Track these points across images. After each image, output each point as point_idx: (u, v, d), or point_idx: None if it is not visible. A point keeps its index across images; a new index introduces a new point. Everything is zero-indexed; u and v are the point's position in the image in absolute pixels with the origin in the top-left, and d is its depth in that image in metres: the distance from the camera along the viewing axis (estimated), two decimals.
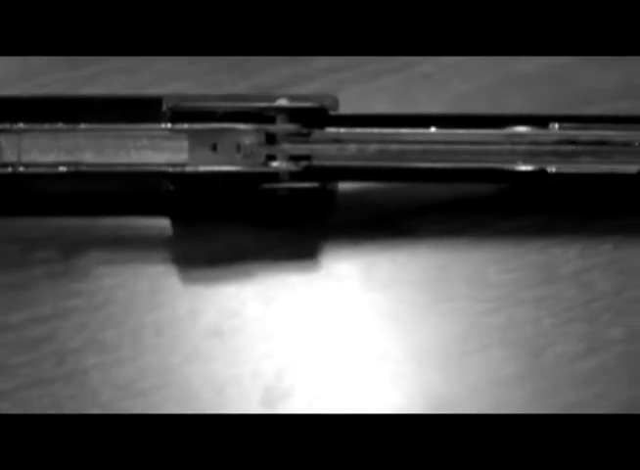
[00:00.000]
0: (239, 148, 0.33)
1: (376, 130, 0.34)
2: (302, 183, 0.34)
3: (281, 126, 0.33)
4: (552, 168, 0.35)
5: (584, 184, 0.36)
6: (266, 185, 0.34)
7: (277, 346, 0.33)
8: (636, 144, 0.35)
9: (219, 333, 0.33)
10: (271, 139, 0.34)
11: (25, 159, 0.34)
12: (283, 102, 0.33)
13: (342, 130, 0.34)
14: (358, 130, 0.34)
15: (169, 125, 0.33)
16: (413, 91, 0.40)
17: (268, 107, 0.33)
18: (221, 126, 0.33)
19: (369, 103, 0.39)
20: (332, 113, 0.34)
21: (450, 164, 0.35)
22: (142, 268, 0.34)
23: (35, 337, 0.33)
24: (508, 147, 0.34)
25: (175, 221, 0.36)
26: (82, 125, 0.33)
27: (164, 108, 0.33)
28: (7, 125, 0.33)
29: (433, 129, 0.34)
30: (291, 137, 0.34)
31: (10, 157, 0.34)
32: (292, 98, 0.34)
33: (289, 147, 0.34)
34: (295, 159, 0.34)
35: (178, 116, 0.34)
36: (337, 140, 0.34)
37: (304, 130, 0.33)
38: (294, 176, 0.34)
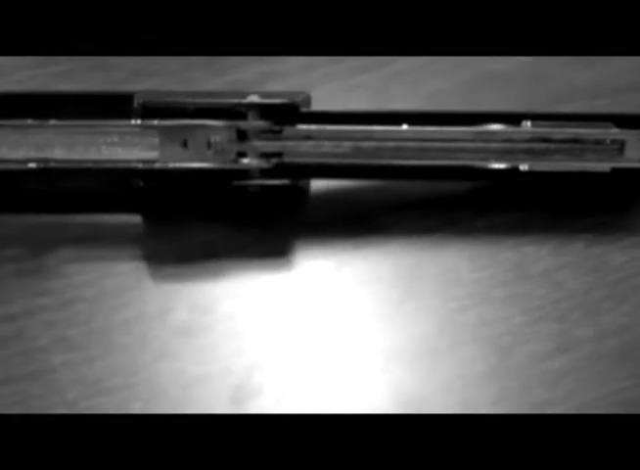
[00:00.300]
0: (209, 145, 0.33)
1: (347, 128, 0.34)
2: (273, 180, 0.33)
3: (252, 123, 0.33)
4: (525, 166, 0.35)
5: (557, 182, 0.36)
6: (237, 182, 0.34)
7: (247, 344, 0.33)
8: (608, 142, 0.34)
9: (189, 331, 0.33)
10: (242, 136, 0.33)
11: None
12: (253, 98, 0.33)
13: (313, 127, 0.34)
14: (329, 128, 0.34)
15: (139, 122, 0.33)
16: (387, 89, 0.40)
17: (238, 103, 0.33)
18: (192, 123, 0.33)
19: (343, 101, 0.39)
20: (303, 110, 0.34)
21: (423, 162, 0.35)
22: (112, 266, 0.34)
23: (3, 335, 0.33)
24: (481, 145, 0.34)
25: (146, 219, 0.35)
26: (52, 121, 0.33)
27: (135, 104, 0.33)
28: None
29: (405, 127, 0.34)
30: (262, 134, 0.33)
31: None
32: (263, 95, 0.33)
33: (260, 144, 0.33)
34: (266, 156, 0.33)
35: (149, 112, 0.33)
36: (308, 137, 0.34)
37: (275, 127, 0.33)
38: (265, 173, 0.34)
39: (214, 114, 0.33)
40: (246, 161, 0.33)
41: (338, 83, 0.40)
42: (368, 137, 0.34)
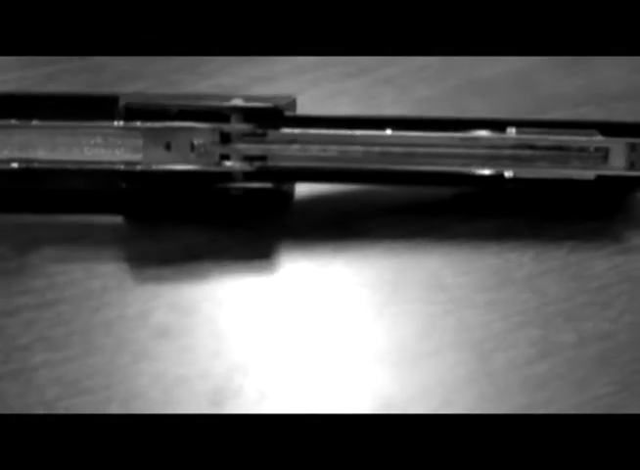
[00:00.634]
0: (193, 147, 0.33)
1: (331, 132, 0.34)
2: (255, 183, 0.33)
3: (235, 126, 0.33)
4: (509, 173, 0.35)
5: (541, 189, 0.36)
6: (220, 185, 0.34)
7: (227, 346, 0.33)
8: (592, 150, 0.35)
9: (169, 333, 0.33)
10: (226, 139, 0.33)
11: None
12: (237, 101, 0.33)
13: (297, 131, 0.34)
14: (313, 131, 0.34)
15: (122, 123, 0.33)
16: (375, 94, 0.40)
17: (222, 106, 0.33)
18: (175, 125, 0.33)
19: (331, 106, 0.39)
20: (288, 114, 0.34)
21: (407, 167, 0.35)
22: (94, 267, 0.34)
23: None
24: (466, 151, 0.34)
25: (129, 220, 0.35)
26: (35, 122, 0.33)
27: (119, 106, 0.33)
28: None
29: (389, 132, 0.34)
30: (245, 137, 0.33)
31: None
32: (246, 98, 0.33)
33: (243, 147, 0.33)
34: (249, 159, 0.34)
35: (133, 114, 0.33)
36: (292, 141, 0.34)
37: (259, 131, 0.33)
38: (248, 176, 0.34)
39: (198, 116, 0.33)
40: (229, 163, 0.33)
41: (325, 88, 0.40)
42: (352, 142, 0.34)
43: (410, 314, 0.34)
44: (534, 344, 0.33)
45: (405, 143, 0.34)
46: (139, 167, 0.33)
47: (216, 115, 0.33)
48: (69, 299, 0.33)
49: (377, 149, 0.34)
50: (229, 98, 0.33)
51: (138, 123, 0.33)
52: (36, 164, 0.33)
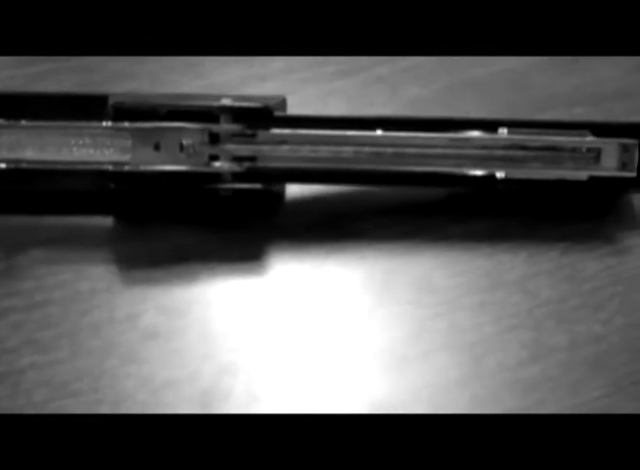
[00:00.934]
0: (182, 147, 0.33)
1: (321, 132, 0.34)
2: (244, 184, 0.33)
3: (224, 126, 0.33)
4: (501, 173, 0.34)
5: (533, 190, 0.35)
6: (209, 185, 0.33)
7: (217, 348, 0.33)
8: (584, 150, 0.34)
9: (158, 335, 0.33)
10: (215, 139, 0.33)
11: None
12: (226, 101, 0.33)
13: (287, 131, 0.33)
14: (302, 132, 0.34)
15: (110, 124, 0.33)
16: (367, 94, 0.40)
17: (211, 106, 0.33)
18: (164, 125, 0.33)
19: (323, 105, 0.39)
20: (277, 114, 0.34)
21: (399, 168, 0.34)
22: (83, 268, 0.34)
23: None
24: (457, 151, 0.34)
25: (118, 221, 0.35)
26: (23, 122, 0.33)
27: (108, 106, 0.33)
28: None
29: (379, 132, 0.34)
30: (235, 137, 0.33)
31: None
32: (236, 98, 0.33)
33: (232, 147, 0.33)
34: (238, 159, 0.33)
35: (123, 114, 0.33)
36: (282, 141, 0.34)
37: (248, 131, 0.33)
38: (237, 177, 0.33)
39: (188, 116, 0.33)
40: (218, 164, 0.33)
41: (318, 88, 0.40)
42: (343, 142, 0.34)
43: (401, 316, 0.34)
44: (526, 346, 0.33)
45: (396, 143, 0.34)
46: (127, 168, 0.33)
47: (206, 115, 0.33)
48: (58, 301, 0.33)
49: (368, 149, 0.34)
50: (218, 98, 0.33)
51: (126, 124, 0.33)
52: (24, 165, 0.33)
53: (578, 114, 0.39)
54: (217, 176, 0.33)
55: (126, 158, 0.33)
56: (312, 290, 0.34)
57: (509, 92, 0.40)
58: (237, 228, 0.35)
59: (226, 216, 0.35)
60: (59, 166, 0.33)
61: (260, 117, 0.33)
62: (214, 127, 0.33)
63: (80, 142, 0.33)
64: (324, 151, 0.34)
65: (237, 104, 0.33)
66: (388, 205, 0.36)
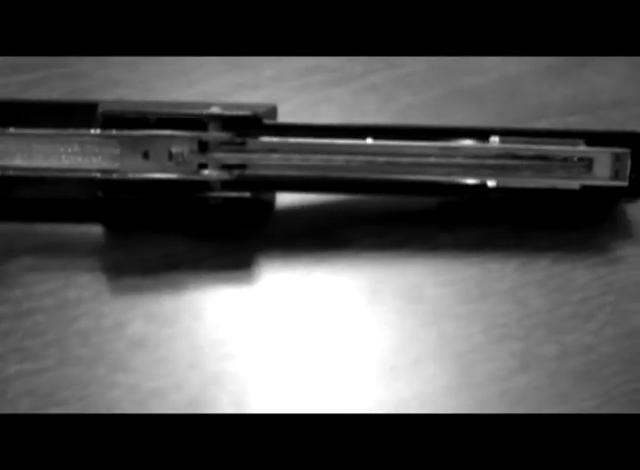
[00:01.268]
0: (171, 155, 0.33)
1: (311, 141, 0.34)
2: (233, 192, 0.33)
3: (212, 134, 0.33)
4: (493, 182, 0.34)
5: (525, 199, 0.35)
6: (198, 194, 0.33)
7: (205, 358, 0.33)
8: (575, 159, 0.34)
9: (145, 344, 0.33)
10: (204, 147, 0.33)
11: None
12: (215, 109, 0.33)
13: (276, 140, 0.33)
14: (292, 140, 0.33)
15: (98, 131, 0.33)
16: (360, 102, 0.40)
17: (200, 114, 0.33)
18: (153, 133, 0.33)
19: (315, 114, 0.39)
20: (267, 122, 0.34)
21: (389, 177, 0.34)
22: (72, 276, 0.34)
23: None
24: (448, 160, 0.34)
25: (107, 229, 0.35)
26: (11, 130, 0.33)
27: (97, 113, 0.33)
28: None
29: (369, 141, 0.34)
30: (224, 146, 0.33)
31: None
32: (225, 106, 0.33)
33: (221, 155, 0.33)
34: (228, 168, 0.33)
35: (112, 122, 0.33)
36: (272, 150, 0.33)
37: (238, 139, 0.33)
38: (226, 185, 0.33)
39: (177, 124, 0.33)
40: (207, 172, 0.33)
41: (310, 95, 0.40)
42: (333, 151, 0.34)
43: (390, 326, 0.33)
44: (515, 356, 0.33)
45: (387, 152, 0.34)
46: (115, 176, 0.32)
47: (195, 123, 0.33)
48: (46, 309, 0.33)
49: (359, 158, 0.34)
50: (207, 106, 0.33)
51: (114, 132, 0.32)
52: (12, 172, 0.33)
53: (572, 122, 0.39)
54: (206, 185, 0.33)
55: (115, 166, 0.33)
56: (302, 299, 0.34)
57: (502, 101, 0.40)
58: (226, 237, 0.35)
59: (215, 225, 0.35)
60: (47, 174, 0.33)
61: (250, 125, 0.33)
62: (204, 135, 0.33)
63: (69, 150, 0.33)
64: (314, 159, 0.34)
65: (226, 112, 0.33)
66: (379, 213, 0.36)
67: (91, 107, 0.34)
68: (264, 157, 0.33)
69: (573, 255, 0.35)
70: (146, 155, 0.33)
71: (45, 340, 0.33)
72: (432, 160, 0.34)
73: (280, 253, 0.35)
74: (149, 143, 0.33)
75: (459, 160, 0.34)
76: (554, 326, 0.33)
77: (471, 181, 0.34)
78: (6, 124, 0.33)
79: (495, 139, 0.34)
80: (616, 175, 0.34)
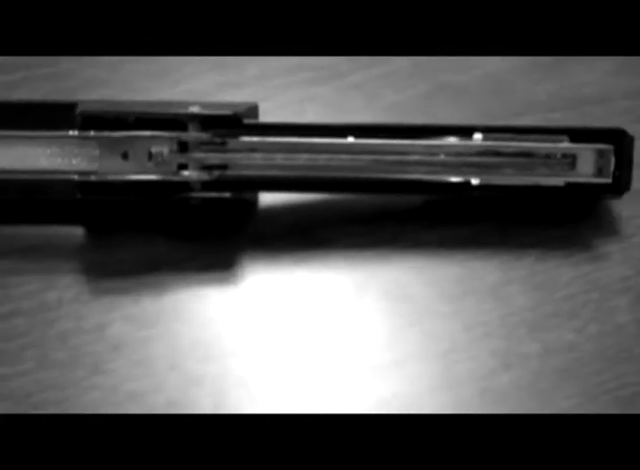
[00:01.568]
0: (150, 156, 0.33)
1: (293, 140, 0.33)
2: (213, 193, 0.33)
3: (192, 134, 0.33)
4: (476, 180, 0.34)
5: (508, 196, 0.35)
6: (179, 194, 0.33)
7: (185, 360, 0.32)
8: (559, 156, 0.34)
9: (125, 346, 0.32)
10: (184, 148, 0.33)
11: None
12: (194, 109, 0.33)
13: (256, 139, 0.33)
14: (272, 140, 0.33)
15: (77, 132, 0.32)
16: (344, 101, 0.39)
17: (178, 114, 0.33)
18: (131, 134, 0.33)
19: (299, 112, 0.39)
20: (247, 121, 0.33)
21: (372, 175, 0.34)
22: (51, 278, 0.34)
23: None
24: (431, 158, 0.34)
25: (87, 231, 0.35)
26: None
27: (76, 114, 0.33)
28: None
29: (351, 139, 0.34)
30: (204, 146, 0.33)
31: None
32: (205, 105, 0.33)
33: (201, 156, 0.33)
34: (208, 168, 0.33)
35: (91, 122, 0.33)
36: (252, 149, 0.33)
37: (217, 139, 0.33)
38: (207, 186, 0.33)
39: (157, 124, 0.33)
40: (186, 173, 0.33)
41: (294, 94, 0.39)
42: (315, 150, 0.34)
43: (372, 325, 0.33)
44: (498, 355, 0.33)
45: (370, 151, 0.34)
46: (93, 178, 0.32)
47: (175, 123, 0.33)
48: (25, 311, 0.33)
49: (341, 157, 0.34)
50: (187, 106, 0.33)
51: (92, 132, 0.32)
52: None
53: (556, 118, 0.39)
54: (187, 185, 0.33)
55: (94, 167, 0.33)
56: (285, 299, 0.34)
57: (486, 97, 0.40)
58: (208, 237, 0.35)
59: (197, 225, 0.35)
60: (26, 176, 0.33)
61: (229, 124, 0.33)
62: (183, 136, 0.33)
63: (48, 151, 0.33)
64: (296, 159, 0.33)
65: (204, 112, 0.32)
66: (362, 212, 0.36)
67: (71, 107, 0.33)
68: (245, 156, 0.33)
69: (557, 252, 0.35)
70: (125, 156, 0.33)
71: (23, 342, 0.33)
72: (415, 158, 0.34)
73: (263, 253, 0.35)
74: (128, 144, 0.33)
75: (442, 158, 0.34)
76: (537, 324, 0.33)
77: (454, 179, 0.34)
78: None
79: (478, 136, 0.34)
80: (599, 172, 0.34)
